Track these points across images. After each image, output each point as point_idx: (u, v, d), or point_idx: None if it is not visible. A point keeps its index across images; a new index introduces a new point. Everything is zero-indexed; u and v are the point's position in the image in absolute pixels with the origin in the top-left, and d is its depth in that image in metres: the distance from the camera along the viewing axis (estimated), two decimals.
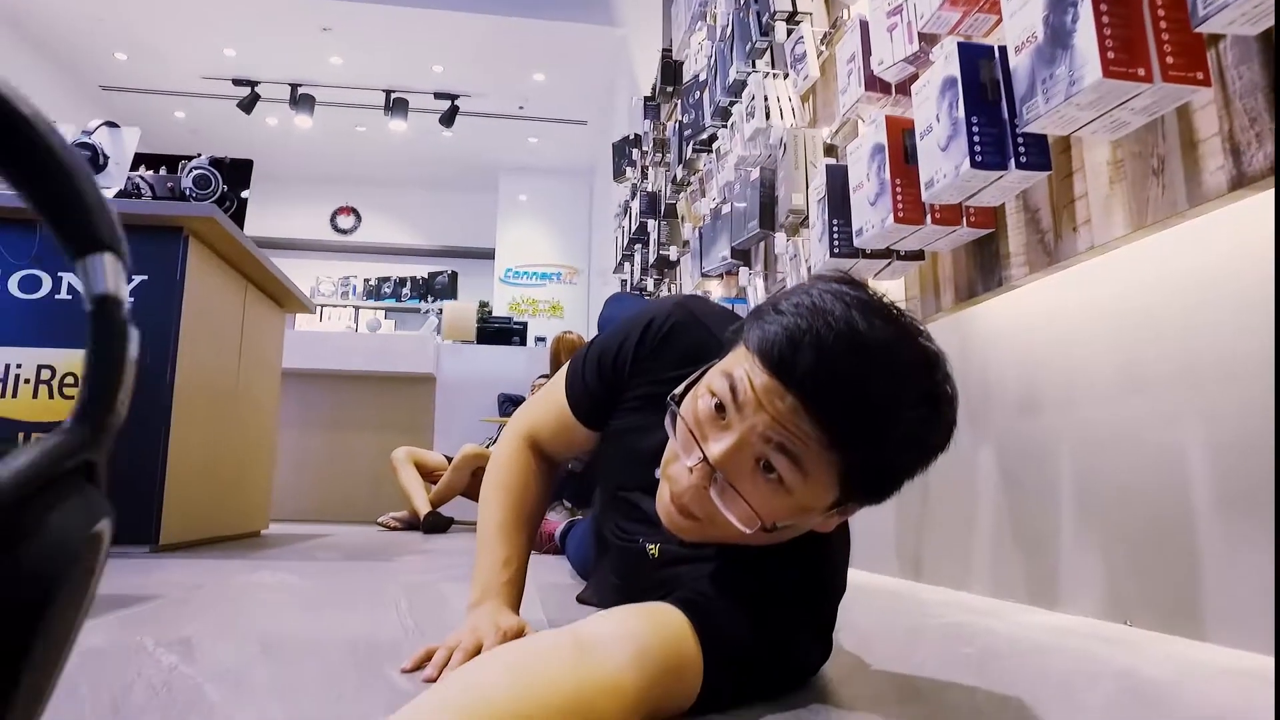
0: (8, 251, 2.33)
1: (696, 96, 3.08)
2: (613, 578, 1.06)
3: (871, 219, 1.45)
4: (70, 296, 2.35)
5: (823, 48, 2.13)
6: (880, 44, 1.50)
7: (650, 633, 0.63)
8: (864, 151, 1.47)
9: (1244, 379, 1.08)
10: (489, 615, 0.91)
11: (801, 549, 0.77)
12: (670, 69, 3.94)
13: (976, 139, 1.12)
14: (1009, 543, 1.55)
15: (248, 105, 6.93)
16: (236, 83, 6.91)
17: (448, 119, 7.28)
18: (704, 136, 3.02)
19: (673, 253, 3.69)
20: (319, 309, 7.28)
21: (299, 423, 4.55)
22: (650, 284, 4.12)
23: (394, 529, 3.87)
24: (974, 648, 1.08)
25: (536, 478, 1.05)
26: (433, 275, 8.88)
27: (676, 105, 3.88)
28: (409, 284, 8.93)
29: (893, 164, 1.37)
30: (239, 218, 2.81)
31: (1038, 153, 1.15)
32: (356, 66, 6.91)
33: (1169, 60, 0.91)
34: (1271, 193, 0.97)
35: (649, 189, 4.20)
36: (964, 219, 1.37)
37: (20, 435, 2.20)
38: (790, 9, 2.18)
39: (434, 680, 0.79)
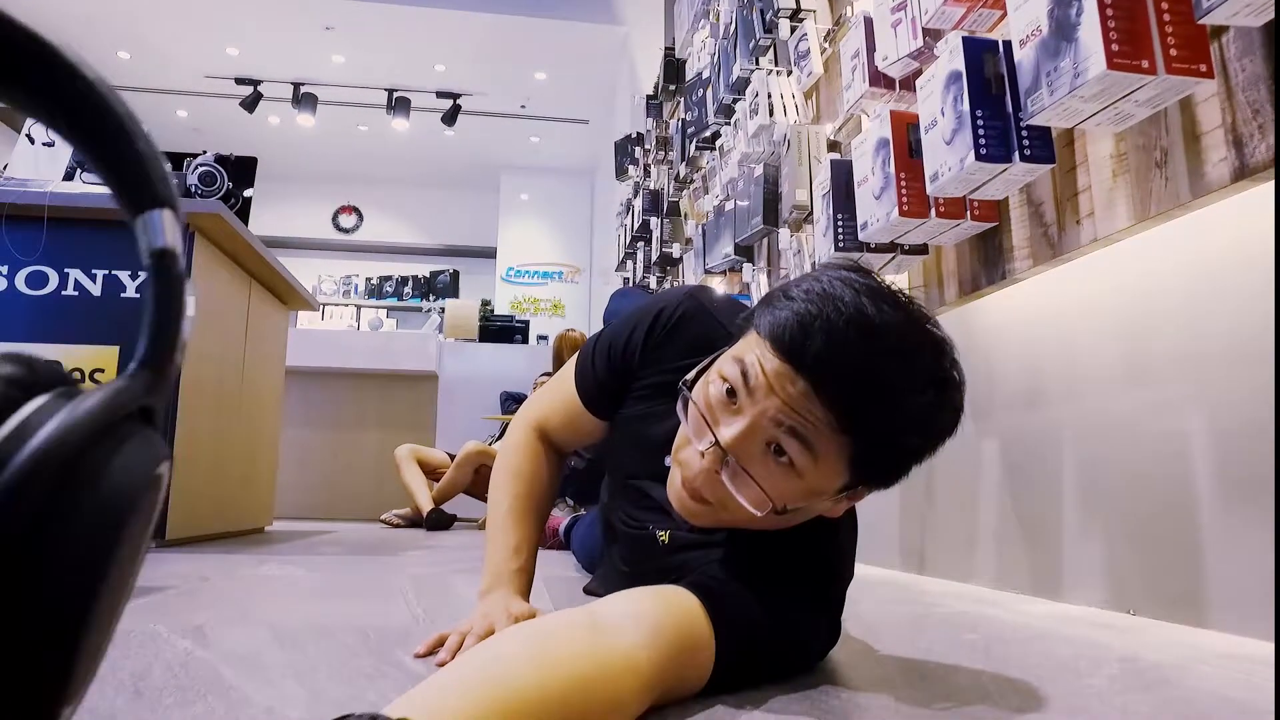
0: (15, 248, 2.34)
1: (700, 94, 3.09)
2: (621, 565, 1.06)
3: (876, 213, 1.46)
4: (77, 293, 2.36)
5: (826, 44, 2.14)
6: (885, 40, 1.51)
7: (664, 613, 0.64)
8: (869, 146, 1.49)
9: (1246, 369, 1.09)
10: (500, 602, 0.92)
11: (810, 534, 0.78)
12: (673, 67, 3.95)
13: (981, 132, 1.14)
14: (1012, 535, 1.56)
15: (250, 104, 6.94)
16: (239, 81, 6.92)
17: (450, 118, 7.29)
18: (707, 134, 3.04)
19: (675, 250, 3.70)
20: (321, 308, 7.29)
21: (301, 421, 4.56)
22: (653, 281, 4.13)
23: (396, 526, 3.88)
24: (978, 634, 1.09)
25: (546, 466, 1.06)
26: (434, 274, 8.90)
27: (679, 103, 3.89)
28: (411, 283, 8.94)
29: (897, 158, 1.39)
30: (243, 215, 2.82)
31: (1042, 145, 1.16)
32: (359, 65, 6.93)
33: (1172, 52, 0.92)
34: (1273, 184, 0.98)
35: (651, 187, 4.21)
36: (968, 212, 1.38)
37: None
38: (794, 6, 2.19)
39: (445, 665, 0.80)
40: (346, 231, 9.59)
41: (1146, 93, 0.96)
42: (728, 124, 2.79)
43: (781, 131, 2.18)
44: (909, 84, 1.56)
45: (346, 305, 8.71)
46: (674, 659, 0.62)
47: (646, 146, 4.55)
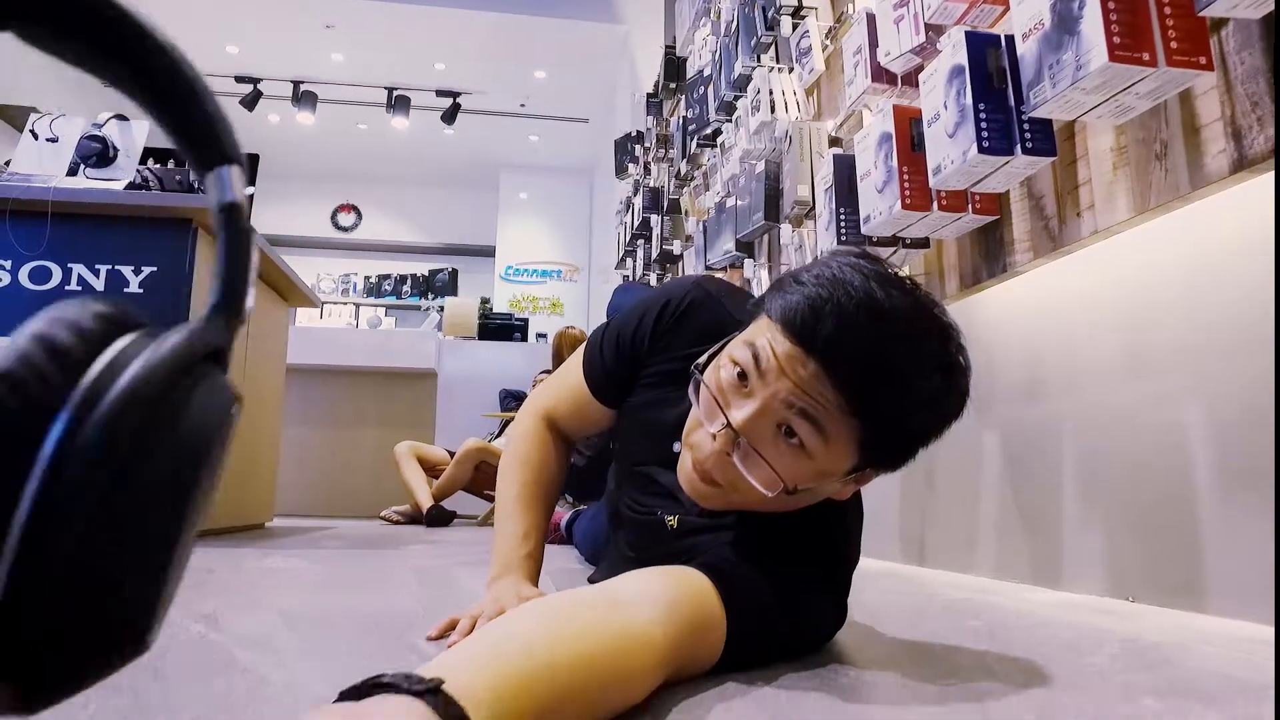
0: (19, 243, 2.35)
1: (701, 92, 3.11)
2: (628, 551, 1.07)
3: (879, 206, 1.48)
4: (80, 288, 2.37)
5: (827, 42, 2.16)
6: (887, 36, 1.53)
7: (678, 592, 0.65)
8: (871, 140, 1.50)
9: (1245, 360, 1.10)
10: (511, 587, 0.93)
11: (818, 517, 0.80)
12: (674, 65, 3.97)
13: (984, 125, 1.15)
14: (1013, 525, 1.58)
15: (250, 102, 6.94)
16: (239, 79, 6.92)
17: (449, 116, 7.29)
18: (708, 131, 3.05)
19: (676, 247, 3.72)
20: (320, 306, 7.31)
21: (301, 418, 4.57)
22: (653, 278, 4.14)
23: (396, 523, 3.89)
24: (980, 620, 1.10)
25: (554, 455, 1.07)
26: (433, 273, 8.90)
27: (680, 101, 3.90)
28: (409, 281, 8.95)
29: (900, 152, 1.40)
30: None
31: (1043, 138, 1.18)
32: (359, 64, 6.93)
33: (1173, 45, 0.94)
34: (1271, 175, 1.00)
35: (651, 184, 4.22)
36: (969, 206, 1.40)
37: None
38: (796, 4, 2.20)
39: None
40: (345, 230, 9.59)
41: (1147, 85, 0.97)
42: (729, 121, 2.81)
43: (783, 128, 2.19)
44: (910, 79, 1.57)
45: (345, 304, 8.70)
46: (687, 637, 0.63)
47: (647, 144, 4.57)
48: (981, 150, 1.16)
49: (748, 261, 2.58)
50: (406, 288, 8.92)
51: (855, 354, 0.67)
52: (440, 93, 7.22)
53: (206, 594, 1.25)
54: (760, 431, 0.71)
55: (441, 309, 6.32)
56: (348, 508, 4.52)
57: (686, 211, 3.56)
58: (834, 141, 2.06)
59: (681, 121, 3.54)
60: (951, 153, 1.22)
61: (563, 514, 2.58)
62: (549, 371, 4.35)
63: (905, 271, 0.79)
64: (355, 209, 9.60)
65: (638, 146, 4.76)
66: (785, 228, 2.21)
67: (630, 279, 4.79)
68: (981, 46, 1.18)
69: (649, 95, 4.43)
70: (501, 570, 0.97)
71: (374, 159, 8.88)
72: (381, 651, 0.82)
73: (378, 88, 7.23)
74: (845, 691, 0.66)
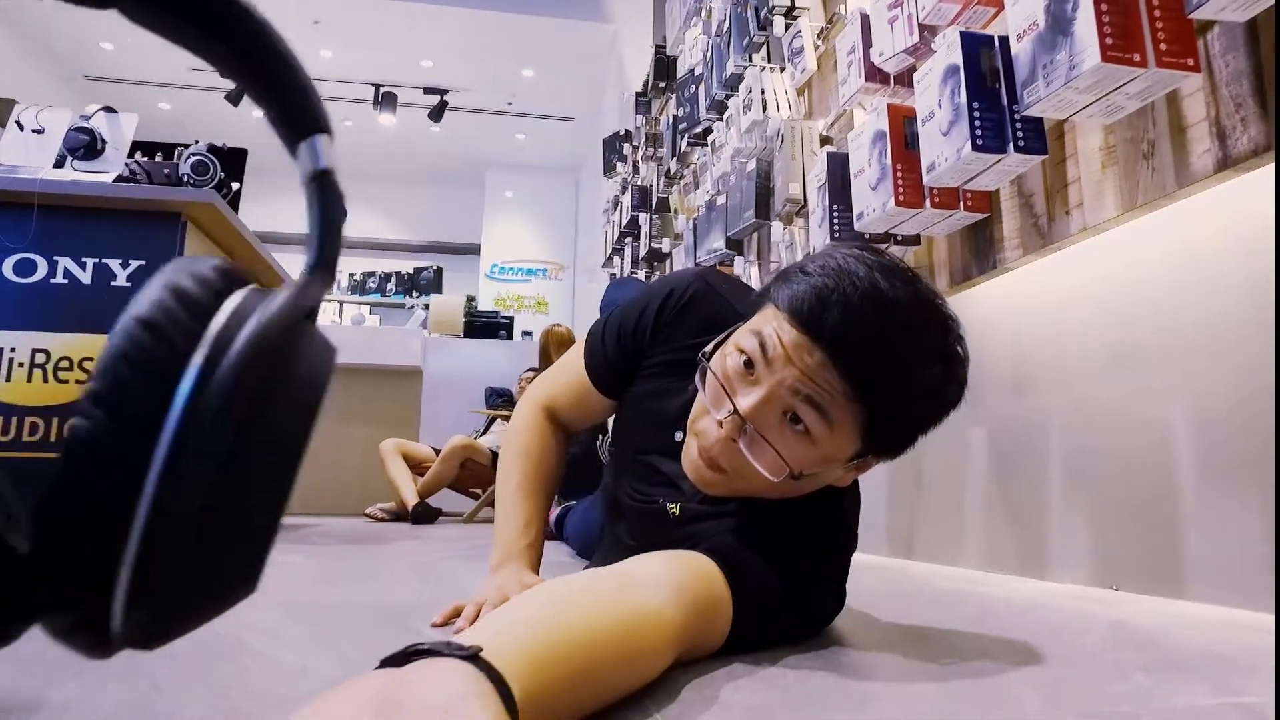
0: (3, 235, 2.32)
1: (692, 90, 3.13)
2: (628, 540, 1.08)
3: (872, 203, 1.50)
4: (66, 281, 2.35)
5: (819, 42, 2.18)
6: (881, 35, 1.55)
7: (687, 575, 0.67)
8: (865, 138, 1.52)
9: (1228, 357, 1.14)
10: (513, 575, 0.94)
11: (818, 505, 0.82)
12: (664, 64, 3.99)
13: (978, 123, 1.18)
14: (1000, 518, 1.61)
15: (235, 98, 6.87)
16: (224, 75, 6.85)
17: (437, 114, 7.27)
18: (699, 130, 3.07)
19: (665, 245, 3.73)
20: None
21: None
22: (642, 275, 4.16)
23: (382, 520, 3.88)
24: (972, 607, 1.13)
25: (554, 446, 1.08)
26: (418, 270, 8.86)
27: (669, 100, 3.92)
28: (394, 279, 8.90)
29: (894, 150, 1.43)
30: (233, 208, 2.81)
31: (1035, 137, 1.21)
32: (346, 60, 6.89)
33: (1162, 46, 0.97)
34: (1255, 175, 1.03)
35: (640, 183, 4.24)
36: (961, 203, 1.43)
37: (14, 420, 2.19)
38: (789, 4, 2.23)
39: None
40: None
41: (1137, 85, 1.00)
42: (720, 120, 2.83)
43: (775, 126, 2.21)
44: (903, 79, 1.60)
45: (329, 301, 8.65)
46: (696, 619, 0.65)
47: (635, 143, 4.58)
48: (976, 148, 1.18)
49: (738, 259, 2.60)
50: (391, 285, 8.87)
51: (861, 343, 0.69)
52: (428, 90, 7.19)
53: None
54: (767, 418, 0.73)
55: (427, 307, 6.30)
56: (334, 505, 4.49)
57: (675, 210, 3.58)
58: (825, 140, 2.09)
59: (671, 120, 3.56)
60: (946, 150, 1.25)
61: (552, 510, 2.59)
62: (535, 369, 4.36)
63: (910, 262, 0.81)
64: None
65: (626, 145, 4.78)
66: (776, 225, 2.23)
67: (618, 275, 4.80)
68: (975, 46, 1.21)
69: (638, 94, 4.44)
70: (503, 559, 0.98)
71: (360, 156, 8.82)
72: (389, 637, 0.83)
73: (365, 84, 7.20)
74: (849, 670, 0.68)
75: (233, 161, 2.94)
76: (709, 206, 2.75)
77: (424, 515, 3.69)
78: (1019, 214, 1.40)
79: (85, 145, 2.45)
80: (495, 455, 3.92)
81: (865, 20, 1.65)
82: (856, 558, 0.88)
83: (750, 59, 2.48)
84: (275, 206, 8.84)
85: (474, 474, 3.93)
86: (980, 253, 1.51)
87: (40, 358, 2.25)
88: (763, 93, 2.26)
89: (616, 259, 4.83)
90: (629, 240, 4.45)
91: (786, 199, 2.07)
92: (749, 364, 0.74)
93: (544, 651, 0.47)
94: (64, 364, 2.25)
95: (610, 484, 1.18)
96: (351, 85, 7.22)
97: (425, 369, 5.05)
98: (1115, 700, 0.61)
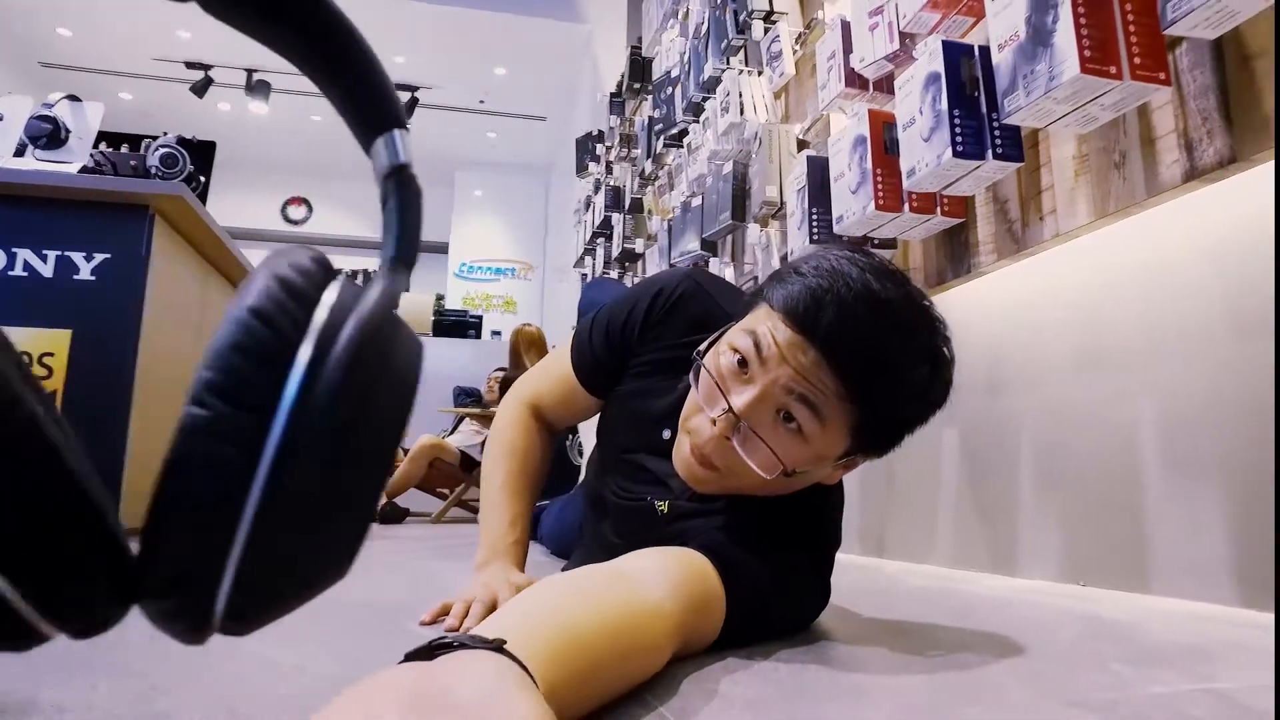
0: None
1: (668, 92, 3.14)
2: (614, 538, 1.08)
3: (852, 206, 1.53)
4: (26, 274, 2.29)
5: (797, 47, 2.21)
6: (862, 42, 1.58)
7: (682, 570, 0.68)
8: (846, 143, 1.55)
9: (1195, 361, 1.18)
10: (500, 573, 0.93)
11: (804, 502, 0.83)
12: (639, 65, 3.99)
13: (958, 130, 1.21)
14: (971, 517, 1.64)
15: (200, 89, 6.74)
16: (189, 65, 6.71)
17: (407, 111, 7.19)
18: (674, 131, 3.09)
19: (638, 245, 3.74)
20: None
21: None
22: (614, 276, 4.16)
23: None
24: (949, 602, 1.15)
25: (539, 443, 1.08)
26: None
27: (644, 101, 3.93)
28: (360, 276, 8.77)
29: (875, 154, 1.45)
30: (201, 201, 2.76)
31: (1012, 145, 1.24)
32: None
33: (1136, 60, 1.00)
34: (1221, 185, 1.07)
35: (613, 183, 4.24)
36: (938, 208, 1.46)
37: None
38: (767, 8, 2.25)
39: (456, 630, 0.81)
40: (295, 223, 9.38)
41: (1112, 97, 1.03)
42: (696, 122, 2.85)
43: (752, 129, 2.24)
44: (882, 85, 1.63)
45: None
46: (693, 614, 0.65)
47: (609, 144, 4.58)
48: (956, 154, 1.21)
49: (713, 260, 2.62)
50: (357, 283, 8.75)
51: (854, 343, 0.71)
52: (399, 86, 7.10)
53: None
54: (760, 416, 0.74)
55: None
56: None
57: (649, 211, 3.59)
58: (802, 144, 2.11)
59: (647, 121, 3.57)
60: (926, 156, 1.27)
61: None
62: (504, 369, 4.33)
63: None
64: (306, 202, 9.40)
65: (599, 145, 4.78)
66: (752, 227, 2.25)
67: (589, 277, 4.80)
68: (956, 55, 1.24)
69: (612, 94, 4.45)
70: (489, 556, 0.98)
71: (326, 152, 8.69)
72: (382, 635, 0.83)
73: None
74: (840, 663, 0.70)
75: (201, 154, 2.88)
76: (684, 208, 2.77)
77: (391, 515, 3.66)
78: (994, 219, 1.44)
79: (48, 134, 2.39)
80: (464, 455, 3.89)
81: (846, 26, 1.68)
82: None
83: (728, 62, 2.51)
84: (234, 201, 8.71)
85: (442, 473, 3.90)
86: (956, 257, 1.55)
87: None
88: (740, 96, 2.29)
89: (589, 259, 4.82)
90: (601, 240, 4.45)
91: (763, 201, 2.10)
92: (743, 363, 0.75)
93: (561, 645, 0.47)
94: (23, 358, 2.19)
95: (593, 482, 1.18)
96: None
97: None
98: (1096, 689, 0.63)
